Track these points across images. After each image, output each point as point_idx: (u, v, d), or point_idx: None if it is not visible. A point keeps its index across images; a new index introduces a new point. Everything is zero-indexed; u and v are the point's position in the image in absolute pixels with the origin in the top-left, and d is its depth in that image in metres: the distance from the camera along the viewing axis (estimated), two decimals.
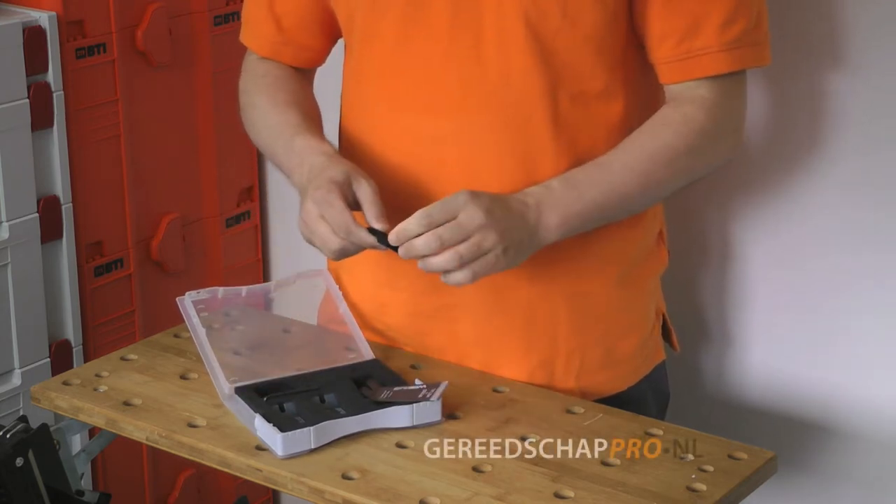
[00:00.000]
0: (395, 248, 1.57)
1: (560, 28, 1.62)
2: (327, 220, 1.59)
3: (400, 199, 1.71)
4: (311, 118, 1.78)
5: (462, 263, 1.55)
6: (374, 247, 1.60)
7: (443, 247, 1.54)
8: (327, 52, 1.86)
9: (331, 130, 1.85)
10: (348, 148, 1.79)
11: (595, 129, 1.67)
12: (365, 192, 1.60)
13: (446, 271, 1.55)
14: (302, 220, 1.62)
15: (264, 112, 1.79)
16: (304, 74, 1.86)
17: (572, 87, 1.65)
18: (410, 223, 1.55)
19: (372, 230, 1.59)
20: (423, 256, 1.55)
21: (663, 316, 1.85)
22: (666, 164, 1.64)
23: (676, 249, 1.96)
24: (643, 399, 1.79)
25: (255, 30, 1.84)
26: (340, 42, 1.84)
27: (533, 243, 1.60)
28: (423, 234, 1.54)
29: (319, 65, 1.88)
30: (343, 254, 1.61)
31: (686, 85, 1.65)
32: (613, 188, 1.63)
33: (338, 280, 1.85)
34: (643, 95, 1.70)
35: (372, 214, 1.59)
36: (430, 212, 1.55)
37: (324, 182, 1.60)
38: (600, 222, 1.65)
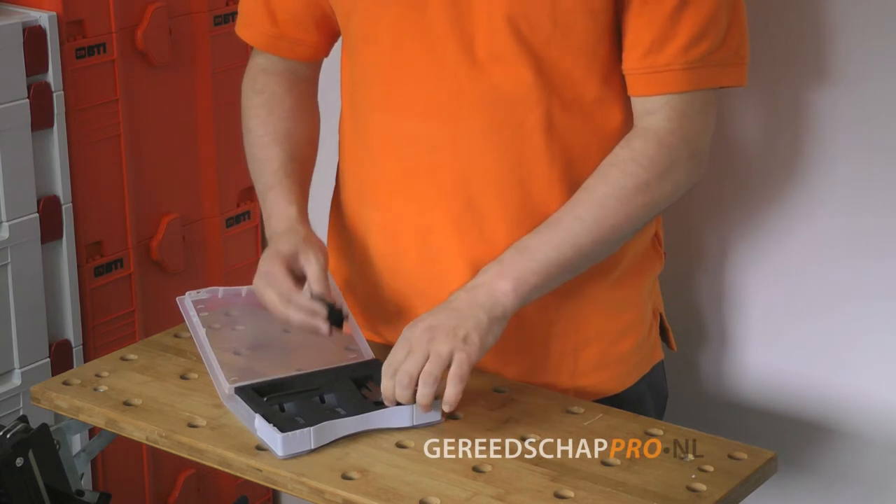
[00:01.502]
0: (337, 325, 1.65)
1: (551, 37, 1.62)
2: (273, 289, 1.66)
3: (395, 204, 1.72)
4: (294, 159, 1.80)
5: (437, 379, 1.56)
6: (313, 314, 1.64)
7: (413, 379, 1.56)
8: (325, 46, 1.85)
9: (330, 129, 1.86)
10: (346, 148, 1.79)
11: (589, 136, 1.66)
12: (311, 268, 1.67)
13: (436, 396, 1.57)
14: (254, 286, 1.71)
15: (253, 140, 1.83)
16: (302, 78, 1.86)
17: (565, 95, 1.65)
18: (384, 384, 1.58)
19: (320, 301, 1.65)
20: (412, 395, 1.57)
21: (661, 316, 1.85)
22: (617, 207, 1.62)
23: (674, 249, 1.96)
24: (642, 399, 1.79)
25: (249, 22, 1.84)
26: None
27: (494, 317, 1.59)
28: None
29: (319, 59, 1.87)
30: (292, 322, 1.67)
31: (645, 105, 1.64)
32: (565, 243, 1.62)
33: (345, 280, 1.85)
34: None
35: (317, 290, 1.65)
36: (390, 361, 1.59)
37: (271, 256, 1.68)
38: (563, 277, 1.64)
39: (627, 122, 1.68)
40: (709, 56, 1.62)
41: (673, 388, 1.90)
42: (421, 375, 1.56)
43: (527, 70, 1.63)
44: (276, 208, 1.75)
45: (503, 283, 1.60)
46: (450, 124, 1.66)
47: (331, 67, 1.90)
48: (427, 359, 1.56)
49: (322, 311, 1.64)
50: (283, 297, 1.65)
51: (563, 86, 1.64)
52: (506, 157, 1.66)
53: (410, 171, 1.70)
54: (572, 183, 1.66)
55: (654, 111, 1.63)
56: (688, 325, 2.08)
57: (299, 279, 1.68)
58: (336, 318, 1.65)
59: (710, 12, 1.60)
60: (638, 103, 1.65)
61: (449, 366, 1.56)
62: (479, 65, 1.64)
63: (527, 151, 1.65)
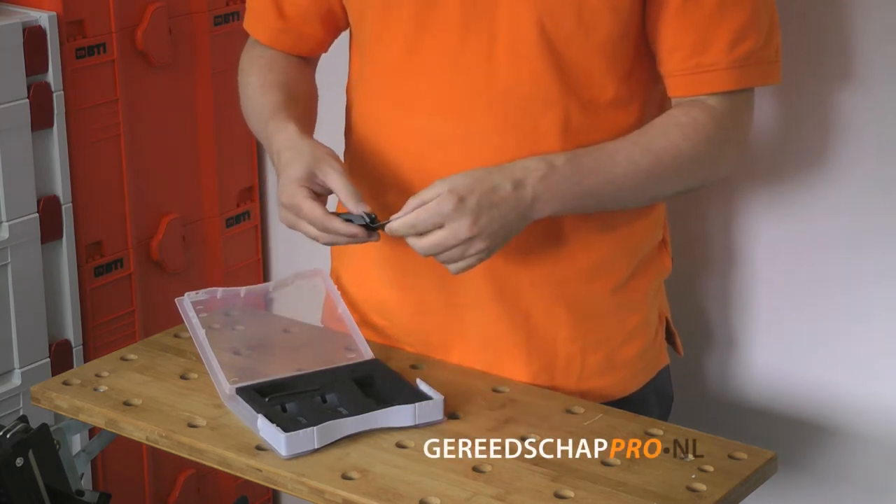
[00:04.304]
0: (375, 228, 1.59)
1: (574, 35, 1.61)
2: (304, 219, 1.61)
3: (406, 199, 1.71)
4: (294, 98, 1.77)
5: (436, 254, 1.57)
6: (354, 237, 1.60)
7: (433, 247, 1.56)
8: (328, 42, 1.85)
9: (330, 126, 1.86)
10: (355, 146, 1.79)
11: (604, 137, 1.66)
12: (333, 180, 1.61)
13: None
14: (283, 221, 1.64)
15: (252, 92, 1.80)
16: (302, 59, 1.86)
17: (582, 95, 1.65)
18: (409, 217, 1.57)
19: (350, 216, 1.59)
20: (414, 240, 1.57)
21: (667, 320, 1.85)
22: (669, 166, 1.63)
23: (680, 253, 1.96)
24: (646, 403, 1.78)
25: (257, 16, 1.85)
26: (345, 39, 1.84)
27: (522, 223, 1.59)
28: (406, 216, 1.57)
29: (319, 54, 1.88)
30: (337, 244, 1.63)
31: (694, 98, 1.65)
32: (613, 180, 1.62)
33: (339, 279, 1.85)
34: (654, 105, 1.70)
35: (350, 202, 1.59)
36: (432, 208, 1.55)
37: (287, 184, 1.62)
38: (590, 210, 1.65)
39: (642, 124, 1.67)
40: (753, 54, 1.63)
41: (677, 389, 1.90)
42: (437, 253, 1.56)
43: (547, 70, 1.63)
44: (276, 135, 1.70)
45: (549, 205, 1.59)
46: (463, 123, 1.66)
47: (330, 68, 1.90)
48: (455, 245, 1.55)
49: (360, 232, 1.60)
50: (320, 226, 1.60)
51: (582, 86, 1.64)
52: (520, 156, 1.65)
53: (422, 169, 1.69)
54: None
55: (703, 100, 1.65)
56: (693, 329, 2.08)
57: (321, 195, 1.64)
58: (374, 225, 1.60)
59: (750, 11, 1.61)
60: (683, 100, 1.66)
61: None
62: (497, 63, 1.63)
63: (542, 152, 1.64)
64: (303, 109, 1.77)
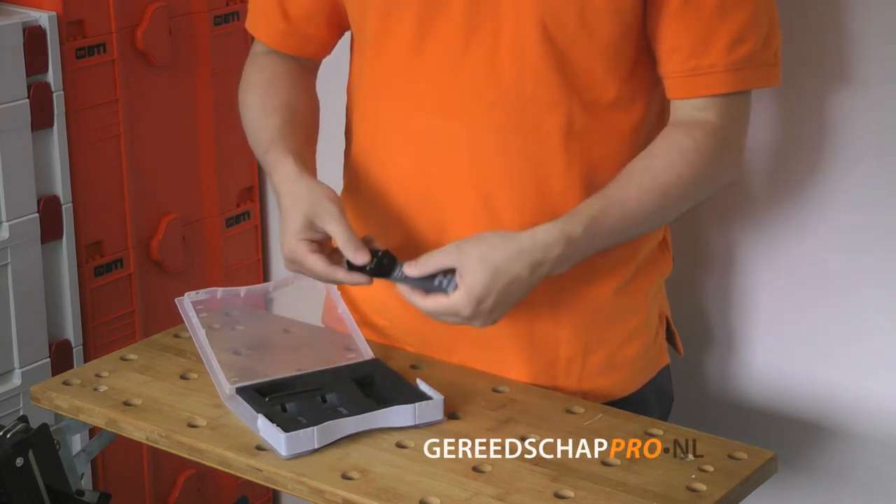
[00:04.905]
0: (378, 276, 1.61)
1: (576, 37, 1.61)
2: (310, 273, 1.63)
3: (409, 201, 1.71)
4: (295, 120, 1.77)
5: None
6: (359, 284, 1.62)
7: (451, 322, 1.60)
8: (333, 44, 1.85)
9: (330, 127, 1.85)
10: (355, 147, 1.78)
11: (608, 137, 1.66)
12: (332, 227, 1.61)
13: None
14: (288, 270, 1.67)
15: (252, 114, 1.79)
16: (304, 67, 1.85)
17: (585, 96, 1.64)
18: (419, 299, 1.61)
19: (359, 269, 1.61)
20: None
21: (667, 320, 1.85)
22: (676, 197, 1.64)
23: (680, 253, 1.96)
24: (647, 403, 1.78)
25: (260, 18, 1.83)
26: (345, 39, 1.83)
27: (530, 289, 1.61)
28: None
29: (322, 57, 1.87)
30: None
31: (692, 104, 1.65)
32: (624, 230, 1.63)
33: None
34: (657, 106, 1.70)
35: (348, 251, 1.60)
36: (451, 302, 1.58)
37: (288, 237, 1.63)
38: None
39: (644, 124, 1.68)
40: (752, 57, 1.63)
41: (677, 389, 1.90)
42: (449, 321, 1.60)
43: (550, 71, 1.62)
44: (275, 170, 1.70)
45: (564, 267, 1.61)
46: (465, 124, 1.66)
47: (331, 68, 1.90)
48: (464, 320, 1.58)
49: (364, 279, 1.61)
50: (324, 279, 1.63)
51: (584, 87, 1.64)
52: (522, 158, 1.65)
53: (426, 169, 1.69)
54: (589, 185, 1.66)
55: (701, 109, 1.64)
56: (693, 328, 2.08)
57: (324, 241, 1.64)
58: (384, 268, 1.61)
59: (749, 13, 1.61)
60: (681, 105, 1.66)
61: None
62: (499, 64, 1.63)
63: (544, 153, 1.65)
64: (304, 132, 1.77)
